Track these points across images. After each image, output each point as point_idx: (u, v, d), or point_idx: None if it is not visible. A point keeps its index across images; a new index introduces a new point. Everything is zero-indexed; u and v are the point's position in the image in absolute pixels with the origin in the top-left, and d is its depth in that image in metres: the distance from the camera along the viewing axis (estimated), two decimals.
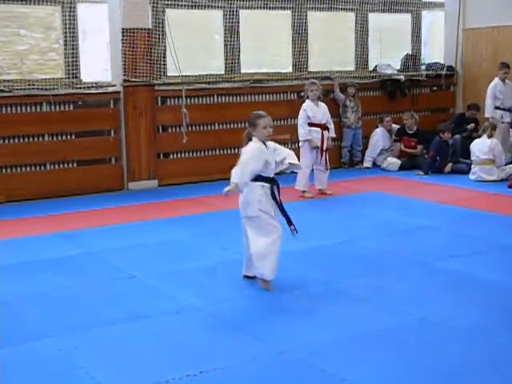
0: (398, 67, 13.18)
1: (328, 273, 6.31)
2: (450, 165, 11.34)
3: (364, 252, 6.98)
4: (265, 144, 5.84)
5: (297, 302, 5.59)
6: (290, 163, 5.96)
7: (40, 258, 6.99)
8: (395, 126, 12.37)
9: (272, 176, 5.85)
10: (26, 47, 9.98)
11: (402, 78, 12.89)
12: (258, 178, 5.76)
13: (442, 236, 7.61)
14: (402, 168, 11.81)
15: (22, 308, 5.59)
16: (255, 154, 5.72)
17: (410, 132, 12.07)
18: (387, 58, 13.07)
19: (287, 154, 5.96)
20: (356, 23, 12.72)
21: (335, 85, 12.14)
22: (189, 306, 5.53)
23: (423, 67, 13.56)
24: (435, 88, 13.55)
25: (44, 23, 10.09)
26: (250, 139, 5.85)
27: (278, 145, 6.02)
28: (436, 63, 13.55)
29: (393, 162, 11.98)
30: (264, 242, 5.75)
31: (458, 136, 11.88)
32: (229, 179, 5.88)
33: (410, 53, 13.37)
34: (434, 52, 14.07)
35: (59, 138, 10.09)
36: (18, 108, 9.78)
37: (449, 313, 5.27)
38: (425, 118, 13.11)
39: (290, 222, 5.89)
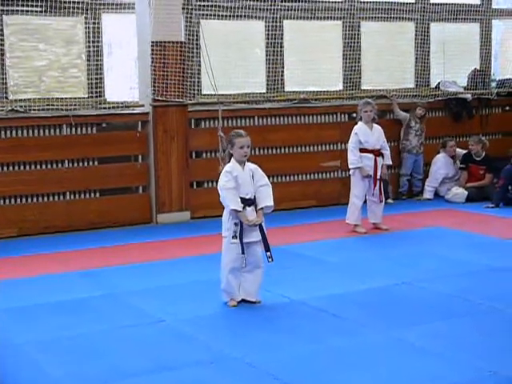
0: (465, 84, 13.12)
1: (385, 319, 6.23)
2: None
3: (426, 295, 6.89)
4: (243, 164, 6.49)
5: (350, 352, 5.50)
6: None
7: (56, 299, 7.01)
8: (460, 152, 12.28)
9: (247, 197, 6.47)
10: (45, 63, 10.18)
11: (468, 96, 12.82)
12: None
13: None
14: (469, 199, 11.68)
15: (35, 357, 5.57)
16: (224, 175, 6.45)
17: (478, 159, 11.97)
18: (452, 73, 13.03)
19: (265, 184, 6.54)
20: (416, 34, 12.71)
21: (393, 104, 12.10)
22: (225, 356, 5.48)
23: (493, 84, 13.48)
24: (507, 108, 13.46)
25: (65, 36, 10.27)
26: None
27: (259, 169, 6.57)
28: (509, 79, 13.43)
29: (458, 192, 11.86)
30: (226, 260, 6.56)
31: None
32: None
33: (479, 68, 13.30)
34: (507, 67, 13.94)
35: (80, 164, 10.20)
36: (35, 131, 9.91)
37: None
38: (495, 142, 13.00)
39: (267, 248, 6.50)
